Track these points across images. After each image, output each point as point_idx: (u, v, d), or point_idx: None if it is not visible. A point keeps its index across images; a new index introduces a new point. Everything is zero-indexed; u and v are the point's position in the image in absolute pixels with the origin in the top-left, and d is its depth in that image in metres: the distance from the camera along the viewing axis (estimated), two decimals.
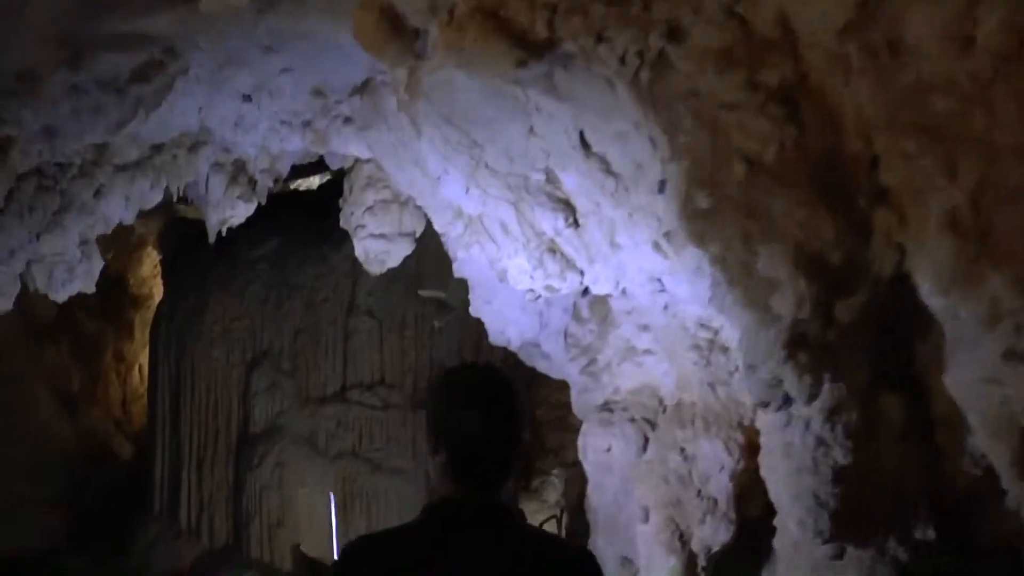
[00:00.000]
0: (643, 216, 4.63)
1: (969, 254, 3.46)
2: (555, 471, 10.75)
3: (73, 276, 7.15)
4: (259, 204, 7.37)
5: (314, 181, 10.97)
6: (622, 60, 3.87)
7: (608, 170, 4.55)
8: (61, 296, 7.41)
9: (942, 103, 3.43)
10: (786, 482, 4.46)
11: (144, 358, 12.56)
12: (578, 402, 6.49)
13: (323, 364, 10.86)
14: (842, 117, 3.68)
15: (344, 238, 10.06)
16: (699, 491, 5.40)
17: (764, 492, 4.87)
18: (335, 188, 9.22)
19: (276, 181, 7.64)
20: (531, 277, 5.51)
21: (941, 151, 3.46)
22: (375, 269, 7.22)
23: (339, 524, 9.88)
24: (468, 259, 6.02)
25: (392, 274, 9.37)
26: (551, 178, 5.00)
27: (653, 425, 5.72)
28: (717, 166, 3.79)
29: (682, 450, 5.47)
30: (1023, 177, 3.32)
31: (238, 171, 6.95)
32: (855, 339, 4.00)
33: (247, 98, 6.24)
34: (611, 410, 5.92)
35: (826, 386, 4.00)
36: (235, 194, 6.97)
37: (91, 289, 7.56)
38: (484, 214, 5.39)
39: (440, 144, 4.86)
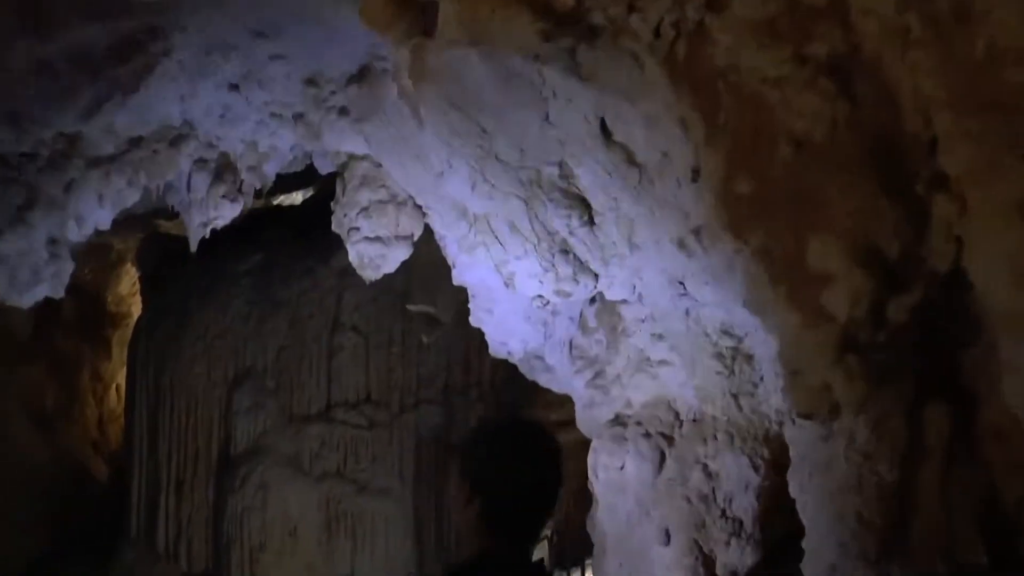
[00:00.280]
0: (668, 211, 4.28)
1: None
2: None
3: (39, 279, 6.39)
4: (244, 207, 6.94)
5: (297, 197, 10.81)
6: (656, 32, 3.52)
7: (631, 160, 4.20)
8: (25, 302, 6.60)
9: (1015, 77, 3.11)
10: (825, 501, 4.11)
11: (122, 378, 12.29)
12: (584, 417, 6.13)
13: (307, 381, 10.62)
14: (899, 93, 3.33)
15: (329, 253, 9.89)
16: (723, 511, 5.03)
17: (787, 512, 4.51)
18: (318, 204, 9.05)
19: (263, 188, 7.23)
20: (541, 282, 5.16)
21: (1012, 131, 3.15)
22: (369, 275, 6.87)
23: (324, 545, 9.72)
24: (470, 264, 5.65)
25: (379, 288, 9.18)
26: (565, 172, 4.66)
27: (670, 440, 5.36)
28: (760, 148, 3.44)
29: (704, 467, 5.11)
30: None
31: (223, 168, 6.50)
32: (905, 342, 3.68)
33: (234, 87, 5.85)
34: (624, 424, 5.55)
35: (874, 395, 3.68)
36: (219, 192, 6.51)
37: (59, 294, 6.75)
38: (491, 212, 5.03)
39: (446, 133, 4.51)
